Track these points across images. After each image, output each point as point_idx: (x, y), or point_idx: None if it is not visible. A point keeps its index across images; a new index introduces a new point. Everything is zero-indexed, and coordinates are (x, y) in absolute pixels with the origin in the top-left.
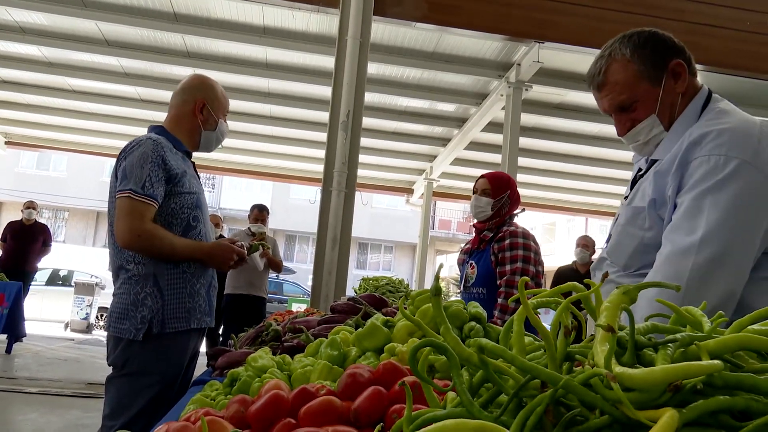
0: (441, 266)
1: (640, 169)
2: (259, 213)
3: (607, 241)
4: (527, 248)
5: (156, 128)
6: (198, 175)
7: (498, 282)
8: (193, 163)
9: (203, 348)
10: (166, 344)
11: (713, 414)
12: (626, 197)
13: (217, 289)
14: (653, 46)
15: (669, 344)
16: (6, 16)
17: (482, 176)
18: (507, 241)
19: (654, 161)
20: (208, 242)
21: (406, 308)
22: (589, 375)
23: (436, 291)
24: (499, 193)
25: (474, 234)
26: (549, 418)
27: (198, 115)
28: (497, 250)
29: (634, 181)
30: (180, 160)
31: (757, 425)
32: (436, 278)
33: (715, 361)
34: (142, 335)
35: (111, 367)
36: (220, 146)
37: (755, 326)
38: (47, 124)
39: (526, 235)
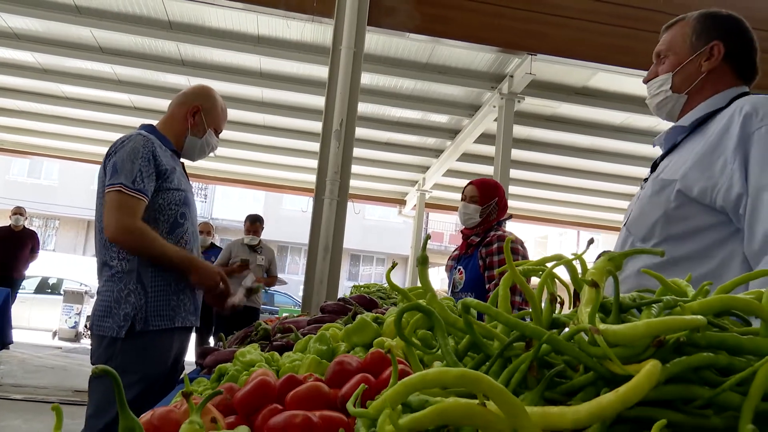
0: (428, 236)
1: (660, 157)
2: (251, 225)
3: (627, 217)
4: (515, 252)
5: (146, 126)
6: (187, 175)
7: (486, 286)
8: (182, 162)
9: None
10: (149, 342)
11: (696, 370)
12: (646, 179)
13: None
14: (713, 23)
15: (653, 306)
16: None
17: (470, 183)
18: (495, 246)
19: (680, 140)
20: (199, 258)
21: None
22: (573, 331)
23: (423, 260)
24: (487, 200)
25: (462, 240)
26: (533, 374)
27: (189, 118)
28: (485, 254)
29: (655, 164)
30: (169, 158)
31: (739, 378)
32: (423, 247)
33: (699, 316)
34: (125, 333)
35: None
36: (206, 156)
37: (740, 294)
38: (39, 131)
39: (514, 240)
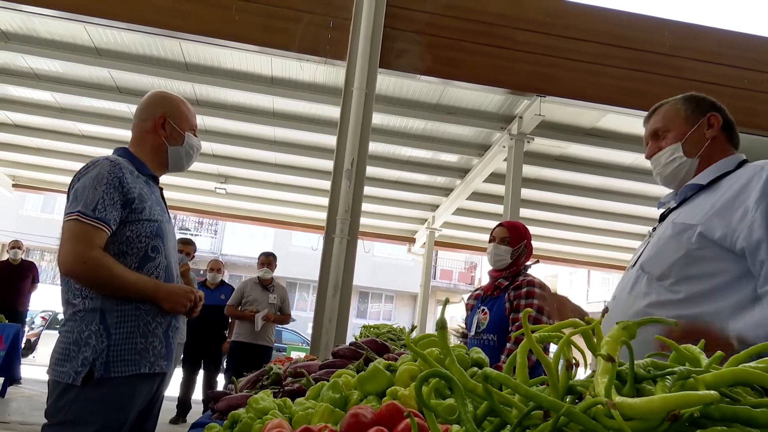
0: (447, 300)
1: (669, 209)
2: (266, 258)
3: (638, 257)
4: (543, 300)
5: (119, 150)
6: (165, 202)
7: (510, 329)
8: (161, 189)
9: (199, 392)
10: (109, 391)
11: None
12: (654, 228)
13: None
14: (700, 101)
15: (667, 377)
16: (22, 63)
17: (500, 225)
18: (524, 290)
19: (691, 194)
20: (166, 282)
21: (407, 353)
22: (590, 403)
23: (442, 324)
24: (518, 242)
25: (489, 280)
26: None
27: (160, 131)
28: (513, 297)
29: (663, 216)
30: (143, 184)
31: None
32: (442, 311)
33: (712, 392)
34: (81, 379)
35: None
36: (194, 161)
37: (752, 363)
38: (55, 167)
39: (543, 287)
